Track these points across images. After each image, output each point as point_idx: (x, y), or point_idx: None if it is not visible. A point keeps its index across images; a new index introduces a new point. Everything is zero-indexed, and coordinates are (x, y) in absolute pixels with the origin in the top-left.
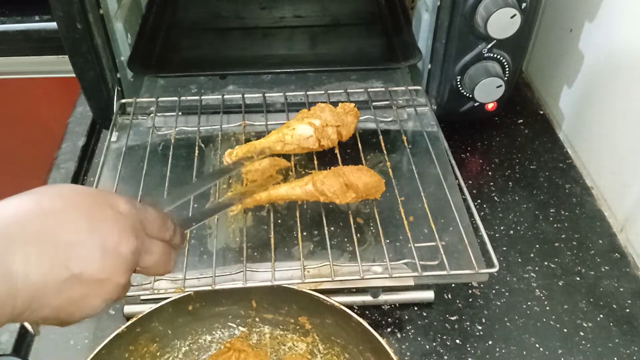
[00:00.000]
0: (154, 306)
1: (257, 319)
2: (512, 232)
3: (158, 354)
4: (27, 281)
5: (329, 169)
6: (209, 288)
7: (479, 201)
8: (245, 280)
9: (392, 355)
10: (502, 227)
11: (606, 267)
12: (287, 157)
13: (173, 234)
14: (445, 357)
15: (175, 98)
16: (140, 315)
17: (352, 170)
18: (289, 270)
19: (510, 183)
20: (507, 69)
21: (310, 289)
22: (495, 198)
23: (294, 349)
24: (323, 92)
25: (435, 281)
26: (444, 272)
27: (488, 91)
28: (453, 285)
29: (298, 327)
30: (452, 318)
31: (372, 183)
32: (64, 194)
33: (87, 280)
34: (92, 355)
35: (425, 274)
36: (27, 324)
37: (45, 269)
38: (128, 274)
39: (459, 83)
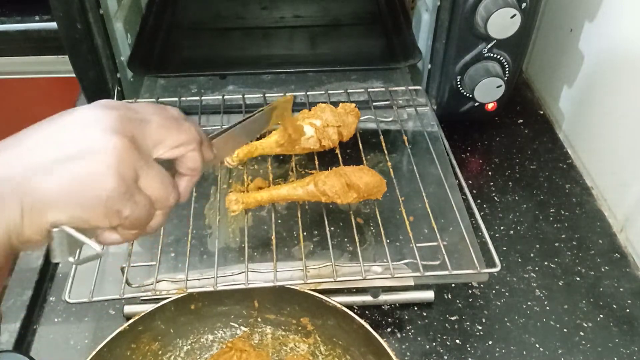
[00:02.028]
0: (156, 305)
1: (259, 319)
2: (512, 232)
3: (160, 352)
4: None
5: (330, 169)
6: (211, 289)
7: (479, 201)
8: (247, 281)
9: (394, 358)
10: (502, 227)
11: (606, 267)
12: (287, 157)
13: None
14: (445, 357)
15: (176, 98)
16: (142, 314)
17: (354, 170)
18: (289, 271)
19: (510, 183)
20: (507, 69)
21: (310, 289)
22: (495, 198)
23: (295, 349)
24: (323, 92)
25: (436, 281)
26: (446, 272)
27: (488, 91)
28: (453, 285)
29: (300, 328)
30: (452, 318)
31: (374, 183)
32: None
33: (73, 151)
34: (93, 353)
35: (427, 274)
36: (85, 239)
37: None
38: (119, 134)
39: (459, 83)
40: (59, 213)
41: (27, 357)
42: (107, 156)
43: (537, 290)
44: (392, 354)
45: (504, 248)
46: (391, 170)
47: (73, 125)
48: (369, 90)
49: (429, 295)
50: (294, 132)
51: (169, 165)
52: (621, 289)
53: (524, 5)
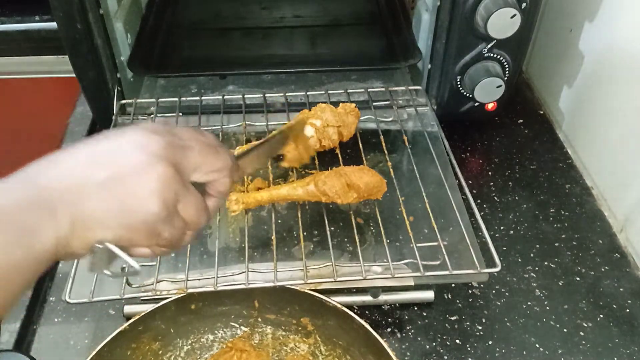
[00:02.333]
0: (156, 304)
1: (259, 319)
2: (512, 232)
3: (160, 352)
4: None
5: (330, 169)
6: (212, 289)
7: (478, 201)
8: (248, 281)
9: (394, 358)
10: (502, 227)
11: (606, 267)
12: None
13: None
14: (445, 357)
15: (176, 99)
16: (143, 313)
17: (354, 170)
18: (289, 271)
19: (510, 183)
20: (507, 69)
21: (310, 289)
22: (495, 198)
23: (295, 349)
24: (323, 92)
25: (436, 281)
26: (446, 272)
27: (488, 91)
28: (453, 285)
29: (300, 328)
30: (452, 318)
31: (374, 183)
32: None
33: (122, 174)
34: (94, 353)
35: (427, 274)
36: (126, 257)
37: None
38: (165, 161)
39: (459, 83)
40: (105, 231)
41: (28, 357)
42: (153, 182)
43: (537, 290)
44: (392, 354)
45: (504, 248)
46: (391, 170)
47: (123, 147)
48: (369, 90)
49: (429, 295)
50: (305, 151)
51: (200, 186)
52: (621, 289)
53: (524, 5)
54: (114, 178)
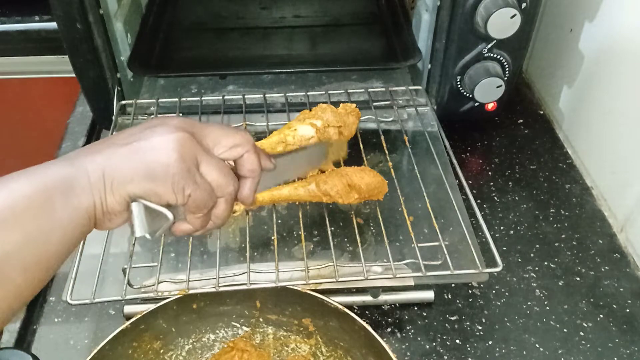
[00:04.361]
0: (158, 303)
1: (260, 319)
2: (512, 232)
3: (162, 351)
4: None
5: (331, 169)
6: (213, 289)
7: (478, 201)
8: (249, 281)
9: None
10: (502, 227)
11: (606, 267)
12: None
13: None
14: (445, 357)
15: (176, 99)
16: (144, 312)
17: (355, 170)
18: (289, 271)
19: (510, 183)
20: (507, 69)
21: (310, 289)
22: (495, 198)
23: (297, 350)
24: (323, 92)
25: (437, 281)
26: (447, 272)
27: (488, 91)
28: (453, 285)
29: (302, 329)
30: (452, 318)
31: (375, 184)
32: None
33: (144, 137)
34: (95, 351)
35: (428, 274)
36: (158, 207)
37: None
38: (183, 130)
39: (459, 83)
40: (133, 185)
41: (29, 354)
42: (170, 142)
43: (537, 290)
44: (393, 356)
45: (504, 248)
46: (392, 170)
47: (144, 127)
48: (369, 90)
49: (429, 295)
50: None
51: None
52: (621, 289)
53: (524, 5)
54: (137, 140)
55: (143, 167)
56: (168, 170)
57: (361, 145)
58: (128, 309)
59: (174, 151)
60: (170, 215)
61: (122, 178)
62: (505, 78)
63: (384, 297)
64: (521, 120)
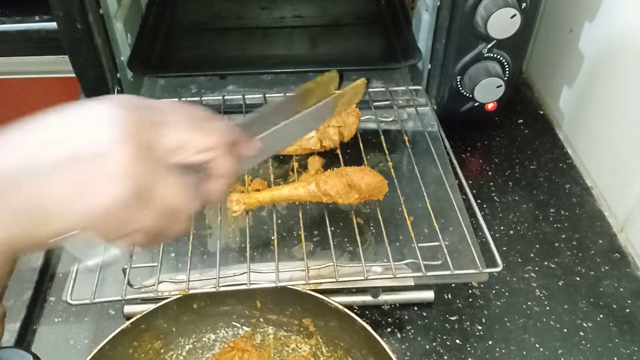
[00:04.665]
0: (159, 303)
1: (261, 319)
2: (512, 232)
3: (162, 351)
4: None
5: (331, 169)
6: (214, 290)
7: (478, 201)
8: (249, 281)
9: None
10: (502, 227)
11: (606, 267)
12: (288, 158)
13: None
14: (445, 357)
15: (176, 99)
16: (145, 312)
17: (355, 170)
18: (289, 271)
19: (510, 183)
20: (507, 69)
21: (310, 289)
22: (495, 198)
23: (297, 350)
24: None
25: (437, 281)
26: (448, 272)
27: (488, 91)
28: (453, 285)
29: (302, 329)
30: (452, 318)
31: (375, 184)
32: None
33: (79, 154)
34: (95, 351)
35: (429, 274)
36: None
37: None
38: (131, 140)
39: (459, 83)
40: (66, 222)
41: (30, 353)
42: (115, 164)
43: (537, 290)
44: (393, 356)
45: (504, 248)
46: (392, 170)
47: (83, 124)
48: (369, 90)
49: (429, 295)
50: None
51: (198, 167)
52: (621, 289)
53: (524, 5)
54: (70, 159)
55: (78, 201)
56: (111, 206)
57: (361, 145)
58: (128, 309)
59: (119, 182)
60: (117, 252)
61: (50, 212)
62: (505, 78)
63: (384, 297)
64: (521, 120)
